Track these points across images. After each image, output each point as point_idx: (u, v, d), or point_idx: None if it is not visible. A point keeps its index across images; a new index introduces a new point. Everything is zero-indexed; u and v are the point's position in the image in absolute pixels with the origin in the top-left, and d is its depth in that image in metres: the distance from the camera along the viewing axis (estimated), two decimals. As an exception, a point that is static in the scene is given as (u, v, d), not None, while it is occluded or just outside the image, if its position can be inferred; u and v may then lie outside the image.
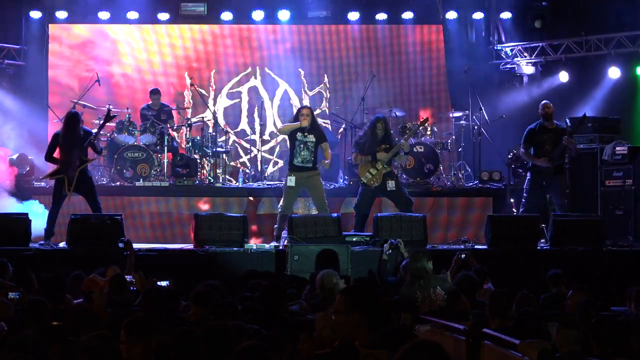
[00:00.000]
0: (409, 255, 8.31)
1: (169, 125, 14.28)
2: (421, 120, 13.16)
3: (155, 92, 14.58)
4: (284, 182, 11.86)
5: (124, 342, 4.78)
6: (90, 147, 11.52)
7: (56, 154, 11.43)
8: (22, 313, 6.07)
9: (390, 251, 10.32)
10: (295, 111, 12.26)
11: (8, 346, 4.65)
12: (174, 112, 14.81)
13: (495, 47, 15.75)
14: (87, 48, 15.78)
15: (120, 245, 9.99)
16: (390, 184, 11.66)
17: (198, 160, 14.10)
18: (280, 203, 11.70)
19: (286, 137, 11.95)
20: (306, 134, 11.50)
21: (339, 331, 4.29)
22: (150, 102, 14.52)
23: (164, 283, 8.23)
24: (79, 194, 11.56)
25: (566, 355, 5.19)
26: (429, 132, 14.23)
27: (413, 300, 7.70)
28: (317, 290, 7.47)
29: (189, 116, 15.26)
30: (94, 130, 11.90)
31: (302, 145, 11.51)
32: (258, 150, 15.09)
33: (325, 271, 7.56)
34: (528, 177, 12.14)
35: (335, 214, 11.70)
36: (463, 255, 9.22)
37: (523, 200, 12.12)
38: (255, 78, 15.97)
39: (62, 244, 11.18)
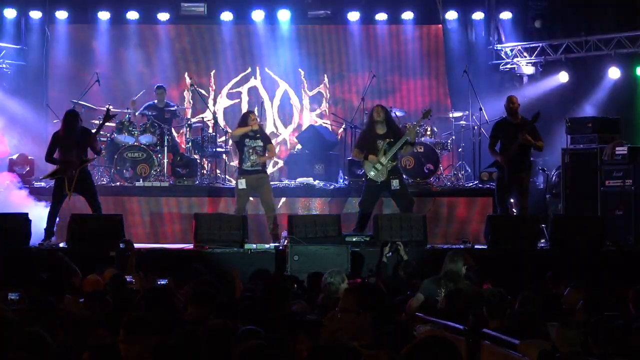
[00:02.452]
0: (447, 255, 8.21)
1: (173, 125, 14.28)
2: (424, 112, 12.74)
3: (160, 88, 14.58)
4: (235, 186, 12.10)
5: (122, 342, 4.79)
6: (89, 147, 11.53)
7: (56, 154, 11.43)
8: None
9: (390, 253, 10.29)
10: (244, 115, 12.41)
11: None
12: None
13: (495, 47, 15.73)
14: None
15: (122, 245, 9.99)
16: (395, 183, 11.60)
17: (198, 160, 14.10)
18: (235, 206, 11.96)
19: (236, 142, 12.19)
20: (254, 139, 11.82)
21: (345, 330, 4.27)
22: (156, 100, 14.52)
23: (162, 281, 8.24)
24: (78, 194, 11.56)
25: (566, 356, 5.19)
26: (429, 132, 14.22)
27: (434, 297, 7.64)
28: (321, 290, 7.47)
29: (189, 116, 15.27)
30: (94, 130, 11.92)
31: (250, 150, 11.83)
32: (258, 150, 15.08)
33: (330, 270, 7.55)
34: (496, 175, 12.22)
35: (336, 214, 11.71)
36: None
37: (495, 198, 12.25)
38: (255, 78, 15.96)
39: (62, 244, 11.18)
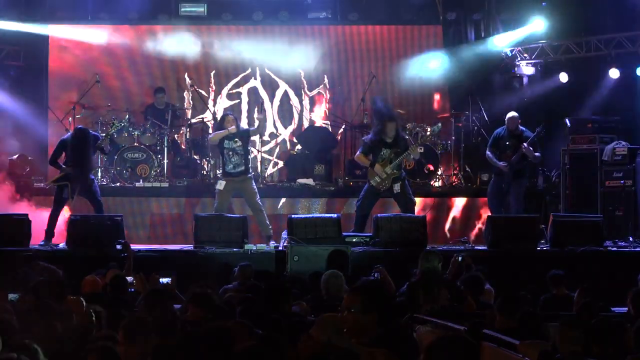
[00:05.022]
0: (420, 255, 8.20)
1: (173, 125, 14.27)
2: (417, 144, 12.59)
3: (159, 91, 14.57)
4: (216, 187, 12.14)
5: (121, 344, 4.79)
6: (98, 150, 11.83)
7: (61, 160, 11.51)
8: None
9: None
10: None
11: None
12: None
13: (495, 47, 15.71)
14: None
15: (118, 247, 10.00)
16: (396, 187, 11.59)
17: (198, 161, 14.10)
18: (214, 204, 12.00)
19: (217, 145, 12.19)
20: (232, 140, 11.81)
21: (350, 330, 4.25)
22: (155, 102, 14.51)
23: (166, 279, 8.23)
24: (81, 197, 11.62)
25: (566, 356, 5.19)
26: (429, 133, 14.22)
27: (416, 299, 7.64)
28: (322, 292, 7.46)
29: (189, 117, 15.27)
30: (102, 135, 12.07)
31: (231, 152, 11.84)
32: (258, 151, 15.06)
33: (330, 272, 7.53)
34: (492, 180, 12.64)
35: (336, 215, 11.70)
36: (460, 258, 9.16)
37: (488, 202, 12.64)
38: (255, 79, 15.94)
39: (61, 245, 11.19)
